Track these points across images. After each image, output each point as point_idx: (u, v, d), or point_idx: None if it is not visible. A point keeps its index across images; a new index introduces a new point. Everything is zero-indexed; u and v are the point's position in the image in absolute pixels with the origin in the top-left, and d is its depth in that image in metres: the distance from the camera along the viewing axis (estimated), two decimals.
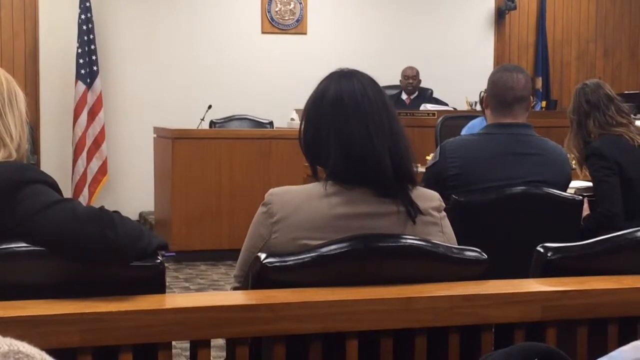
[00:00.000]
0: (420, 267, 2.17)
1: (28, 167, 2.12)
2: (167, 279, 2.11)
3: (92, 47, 8.92)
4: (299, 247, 2.16)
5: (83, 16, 8.86)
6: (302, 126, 2.34)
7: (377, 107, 2.27)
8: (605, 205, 3.95)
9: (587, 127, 4.13)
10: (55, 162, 8.84)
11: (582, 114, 4.16)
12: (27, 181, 2.02)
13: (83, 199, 8.69)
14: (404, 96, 9.22)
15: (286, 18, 9.81)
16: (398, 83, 9.23)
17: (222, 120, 8.58)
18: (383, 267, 2.16)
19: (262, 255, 2.09)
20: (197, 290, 6.42)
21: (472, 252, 2.21)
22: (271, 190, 2.28)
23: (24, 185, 2.01)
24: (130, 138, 9.23)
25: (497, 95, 3.62)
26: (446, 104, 8.80)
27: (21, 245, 1.97)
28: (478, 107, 8.06)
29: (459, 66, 10.12)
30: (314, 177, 2.33)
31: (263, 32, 9.77)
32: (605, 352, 1.22)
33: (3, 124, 2.17)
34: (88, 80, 8.88)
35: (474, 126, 5.77)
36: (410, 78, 9.19)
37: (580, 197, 3.63)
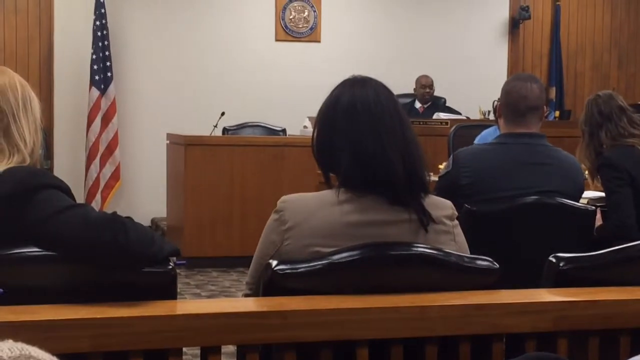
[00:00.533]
0: (431, 276, 2.17)
1: (42, 172, 2.13)
2: (179, 285, 2.12)
3: (107, 53, 8.95)
4: (311, 254, 2.16)
5: (98, 22, 8.90)
6: (315, 132, 2.34)
7: (390, 115, 2.26)
8: (618, 216, 3.93)
9: (600, 138, 4.12)
10: (68, 167, 8.87)
11: (594, 125, 4.15)
12: (40, 186, 2.03)
13: (96, 205, 8.71)
14: (417, 105, 9.21)
15: (300, 26, 9.83)
16: (411, 91, 9.23)
17: (235, 127, 8.59)
18: (394, 275, 2.15)
19: (274, 262, 2.09)
20: (208, 296, 6.42)
21: (484, 262, 2.20)
22: (283, 198, 2.28)
23: (38, 190, 2.02)
24: (143, 144, 9.26)
25: (511, 104, 3.62)
26: (459, 113, 8.79)
27: (33, 250, 1.98)
28: (491, 116, 8.06)
29: (472, 75, 10.12)
30: (326, 184, 2.33)
31: (277, 40, 9.79)
32: None
33: (17, 129, 2.18)
34: (102, 86, 8.92)
35: (487, 135, 5.75)
36: (427, 87, 9.18)
37: (593, 208, 3.62)
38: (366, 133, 2.23)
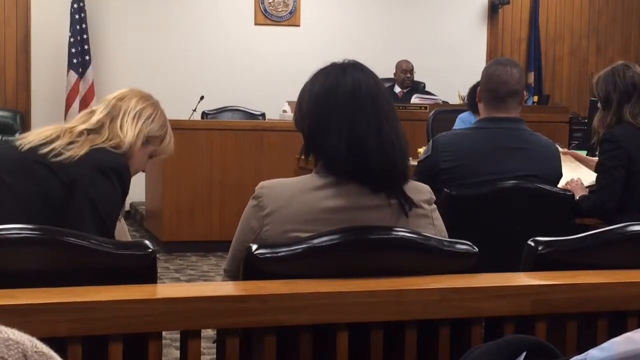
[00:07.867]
0: (411, 260, 2.17)
1: (127, 169, 2.76)
2: (158, 270, 2.11)
3: (85, 36, 8.89)
4: (290, 239, 2.15)
5: (75, 5, 8.83)
6: (305, 108, 2.30)
7: (372, 103, 2.24)
8: (602, 196, 3.87)
9: (621, 111, 3.94)
10: None
11: (624, 96, 3.94)
12: (115, 175, 2.66)
13: None
14: (396, 89, 9.21)
15: (279, 10, 9.80)
16: (391, 76, 9.22)
17: (214, 112, 8.56)
18: (374, 259, 2.15)
19: (254, 246, 2.08)
20: (188, 281, 6.41)
21: (463, 245, 2.21)
22: (261, 183, 2.27)
23: (112, 177, 2.63)
24: None
25: (491, 89, 3.62)
26: (435, 96, 8.77)
27: (12, 232, 1.96)
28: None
29: (451, 60, 10.13)
30: (305, 164, 2.32)
31: (256, 24, 9.75)
32: (594, 346, 1.22)
33: (121, 123, 2.94)
34: (80, 70, 8.86)
35: (460, 122, 5.76)
36: (408, 72, 9.20)
37: (571, 192, 3.64)
38: (350, 119, 2.21)
